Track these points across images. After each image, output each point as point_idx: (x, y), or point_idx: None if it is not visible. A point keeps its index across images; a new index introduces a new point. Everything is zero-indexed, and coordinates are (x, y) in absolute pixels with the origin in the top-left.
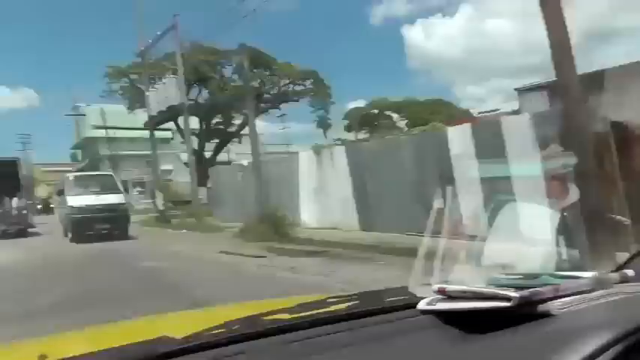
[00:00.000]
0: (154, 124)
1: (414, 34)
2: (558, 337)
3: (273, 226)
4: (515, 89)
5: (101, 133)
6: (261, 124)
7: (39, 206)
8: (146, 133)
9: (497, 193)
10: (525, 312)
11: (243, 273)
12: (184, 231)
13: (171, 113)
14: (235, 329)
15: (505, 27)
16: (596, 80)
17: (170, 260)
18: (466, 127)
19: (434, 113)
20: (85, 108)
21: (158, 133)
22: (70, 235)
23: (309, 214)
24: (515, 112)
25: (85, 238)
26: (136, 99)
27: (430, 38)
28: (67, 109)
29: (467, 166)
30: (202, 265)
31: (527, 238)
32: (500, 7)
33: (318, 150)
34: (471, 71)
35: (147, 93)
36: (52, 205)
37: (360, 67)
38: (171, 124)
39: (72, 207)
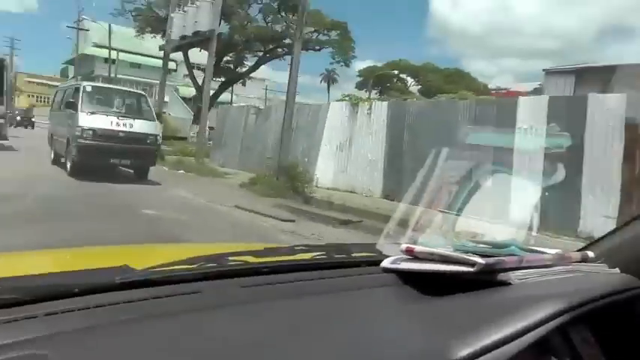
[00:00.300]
0: (171, 49)
1: (440, 3)
2: (511, 305)
3: (290, 182)
4: (543, 70)
5: (100, 52)
6: (266, 70)
7: (18, 117)
8: (147, 61)
9: (488, 164)
10: (486, 279)
11: (269, 240)
12: (182, 172)
13: (194, 40)
14: (195, 267)
15: (529, 8)
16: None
17: (178, 211)
18: (542, 100)
19: (450, 83)
20: (90, 23)
21: (158, 62)
22: (69, 165)
23: (325, 173)
24: (538, 93)
25: (91, 173)
26: (148, 23)
27: (455, 9)
28: (69, 22)
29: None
30: (218, 222)
31: (504, 210)
32: None
33: (355, 102)
34: (486, 48)
35: (171, 15)
36: (33, 119)
37: (371, 27)
38: (177, 55)
39: (84, 129)
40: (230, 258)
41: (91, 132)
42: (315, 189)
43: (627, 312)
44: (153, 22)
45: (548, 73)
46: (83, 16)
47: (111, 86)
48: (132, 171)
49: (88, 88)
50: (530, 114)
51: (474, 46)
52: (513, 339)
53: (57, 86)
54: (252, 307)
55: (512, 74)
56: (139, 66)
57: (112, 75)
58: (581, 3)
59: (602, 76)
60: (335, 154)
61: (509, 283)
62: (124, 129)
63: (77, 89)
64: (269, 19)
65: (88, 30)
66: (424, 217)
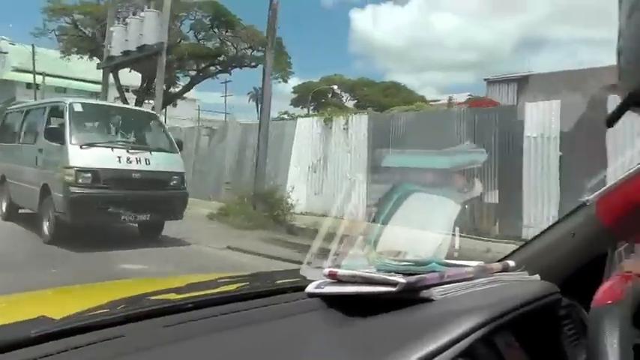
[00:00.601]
0: (112, 66)
1: (362, 20)
2: (434, 321)
3: (269, 210)
4: (485, 79)
5: (21, 77)
6: (193, 91)
7: None
8: (74, 84)
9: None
10: (409, 297)
11: None
12: None
13: (140, 55)
14: (117, 310)
15: (448, 22)
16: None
17: (163, 261)
18: (553, 104)
19: (388, 96)
20: (8, 46)
21: (87, 85)
22: (48, 225)
23: (297, 196)
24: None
25: (84, 236)
26: (74, 43)
27: (377, 26)
28: None
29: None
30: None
31: (425, 226)
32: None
33: (328, 117)
34: (409, 62)
35: (111, 29)
36: None
37: (292, 44)
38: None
39: (78, 170)
40: (152, 297)
41: (89, 175)
42: (293, 216)
43: (548, 316)
44: (79, 42)
45: (490, 82)
46: (2, 37)
47: (110, 104)
48: (137, 226)
49: (78, 107)
50: (541, 120)
51: (397, 61)
52: (437, 354)
53: None
54: (176, 347)
55: (435, 87)
56: (64, 90)
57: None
58: (497, 17)
59: (544, 83)
60: (307, 175)
61: (432, 300)
62: (137, 167)
63: (56, 109)
64: (201, 35)
65: (6, 53)
66: (347, 238)
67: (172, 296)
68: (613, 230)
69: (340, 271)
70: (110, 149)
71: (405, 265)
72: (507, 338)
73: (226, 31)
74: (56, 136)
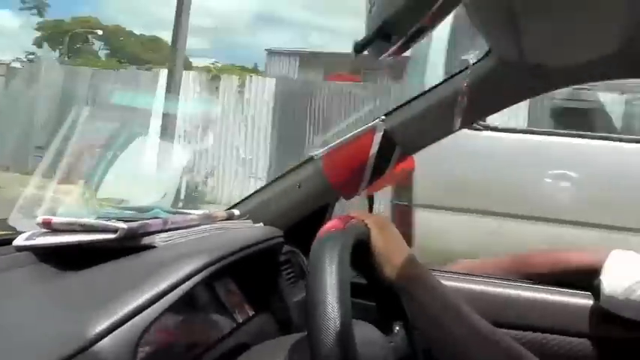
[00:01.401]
0: None
1: None
2: (154, 267)
3: None
4: (266, 50)
5: None
6: None
7: None
8: None
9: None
10: (131, 245)
11: None
12: None
13: None
14: None
15: None
16: None
17: None
18: None
19: (149, 51)
20: None
21: None
22: None
23: None
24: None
25: None
26: None
27: None
28: None
29: None
30: None
31: (149, 174)
32: None
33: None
34: (139, 16)
35: None
36: None
37: None
38: None
39: None
40: None
41: None
42: None
43: (269, 260)
44: None
45: (271, 53)
46: None
47: None
48: None
49: None
50: None
51: (125, 12)
52: (155, 301)
53: None
54: None
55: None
56: None
57: None
58: None
59: (326, 61)
60: (178, 150)
61: (154, 247)
62: None
63: None
64: None
65: None
66: (65, 185)
67: None
68: (335, 184)
69: (55, 219)
70: None
71: (127, 212)
72: (227, 284)
73: None
74: None
